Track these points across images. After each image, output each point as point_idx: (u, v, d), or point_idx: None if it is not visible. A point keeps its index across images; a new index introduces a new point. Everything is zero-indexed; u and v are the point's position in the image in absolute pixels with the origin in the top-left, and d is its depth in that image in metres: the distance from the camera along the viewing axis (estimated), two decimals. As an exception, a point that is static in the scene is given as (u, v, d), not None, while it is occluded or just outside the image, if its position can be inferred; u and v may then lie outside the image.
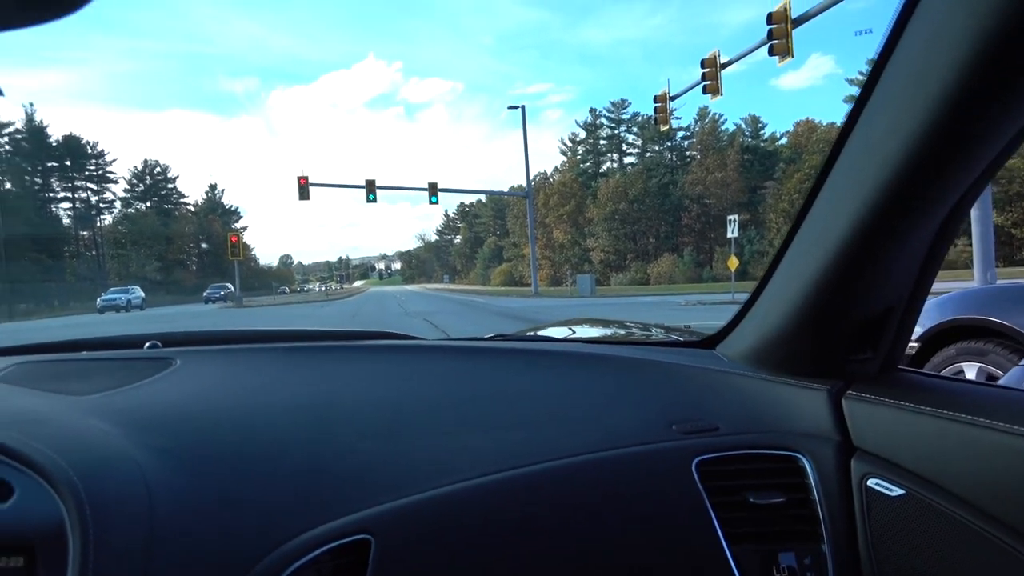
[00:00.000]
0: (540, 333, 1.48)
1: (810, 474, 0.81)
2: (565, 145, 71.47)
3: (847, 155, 0.72)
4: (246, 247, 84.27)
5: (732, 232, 19.07)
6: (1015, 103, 0.59)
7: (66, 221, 62.40)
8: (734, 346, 1.01)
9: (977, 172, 0.67)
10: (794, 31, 11.36)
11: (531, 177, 29.73)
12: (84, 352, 1.14)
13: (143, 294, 37.61)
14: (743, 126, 61.51)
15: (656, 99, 15.49)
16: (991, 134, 0.62)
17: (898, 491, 0.74)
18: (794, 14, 11.62)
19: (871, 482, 0.77)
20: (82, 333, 1.60)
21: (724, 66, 13.65)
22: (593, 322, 1.68)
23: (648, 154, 64.71)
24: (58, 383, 0.92)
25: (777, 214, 46.98)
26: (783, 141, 58.93)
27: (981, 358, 3.06)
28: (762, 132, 61.07)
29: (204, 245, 73.58)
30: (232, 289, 38.35)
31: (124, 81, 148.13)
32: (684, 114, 63.28)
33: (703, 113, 60.38)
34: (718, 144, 58.02)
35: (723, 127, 60.22)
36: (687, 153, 62.12)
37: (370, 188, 24.18)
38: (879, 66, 0.64)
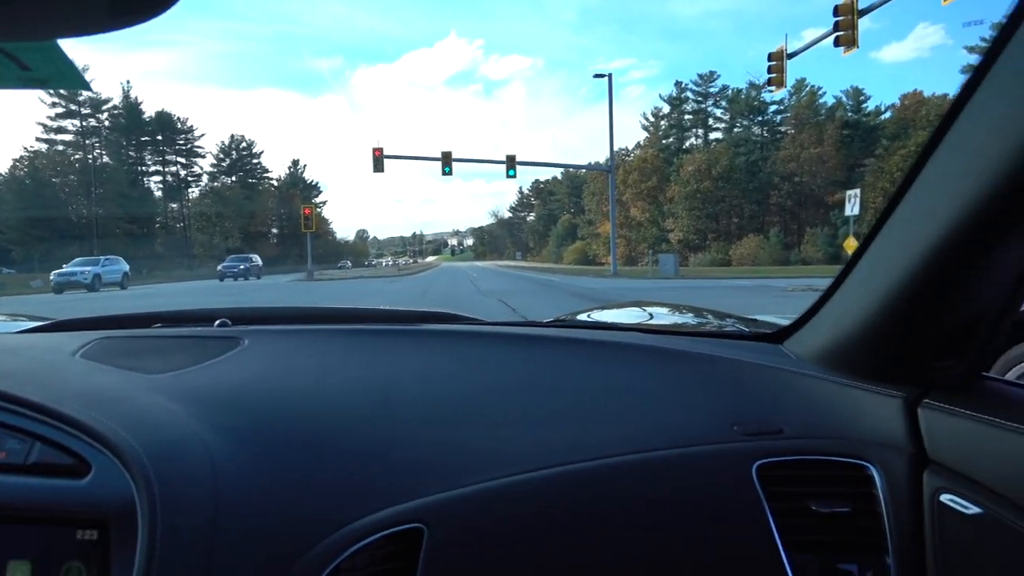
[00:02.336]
0: (603, 315, 1.44)
1: (878, 485, 0.78)
2: (647, 120, 68.56)
3: (959, 133, 0.64)
4: (323, 221, 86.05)
5: (851, 210, 16.63)
6: None
7: (156, 194, 65.03)
8: (804, 343, 0.97)
9: None
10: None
11: (620, 149, 27.92)
12: (158, 325, 1.19)
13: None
14: (844, 99, 56.98)
15: (771, 57, 13.67)
16: None
17: (975, 509, 0.69)
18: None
19: (944, 497, 0.73)
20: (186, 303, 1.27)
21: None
22: (657, 305, 1.61)
23: (736, 129, 61.14)
24: (133, 360, 0.94)
25: (876, 193, 43.19)
26: (887, 115, 54.20)
27: None
28: (864, 106, 56.39)
29: (284, 219, 75.43)
30: (257, 262, 37.10)
31: (216, 61, 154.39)
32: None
33: (799, 85, 56.28)
34: (815, 118, 53.95)
35: (821, 99, 55.97)
36: (779, 128, 58.24)
37: (446, 160, 23.20)
38: (1008, 28, 0.57)
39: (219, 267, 35.23)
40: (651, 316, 1.52)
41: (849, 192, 17.27)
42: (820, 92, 55.89)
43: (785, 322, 1.04)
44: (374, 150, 22.58)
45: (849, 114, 55.38)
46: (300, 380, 0.92)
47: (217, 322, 1.18)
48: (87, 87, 0.75)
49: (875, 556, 0.76)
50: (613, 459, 0.81)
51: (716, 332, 1.30)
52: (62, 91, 52.43)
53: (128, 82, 66.69)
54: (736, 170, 54.22)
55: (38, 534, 0.66)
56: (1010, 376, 2.01)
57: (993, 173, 0.60)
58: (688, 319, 1.52)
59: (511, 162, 23.44)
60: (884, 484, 0.77)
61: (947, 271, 0.69)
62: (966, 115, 0.62)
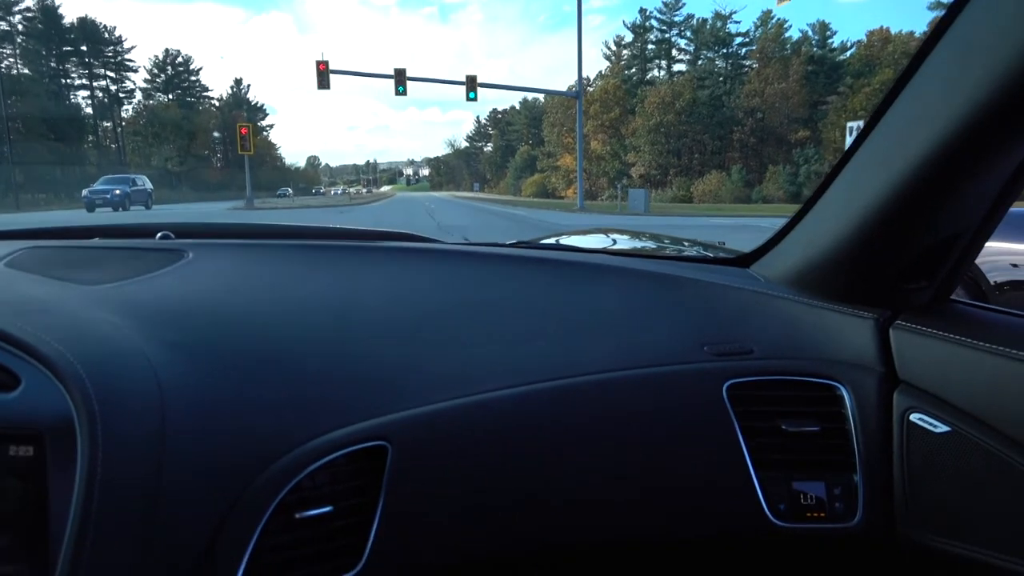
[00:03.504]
0: (567, 240, 1.40)
1: (848, 404, 0.79)
2: (609, 49, 66.01)
3: (935, 60, 0.64)
4: (270, 145, 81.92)
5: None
6: None
7: (85, 111, 59.94)
8: (773, 266, 0.97)
9: None
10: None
11: (580, 78, 26.03)
12: (96, 239, 1.13)
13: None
14: (810, 33, 55.75)
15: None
16: None
17: (943, 428, 0.71)
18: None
19: (914, 416, 0.74)
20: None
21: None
22: (622, 232, 1.58)
23: (700, 62, 59.51)
24: (67, 271, 0.89)
25: (839, 132, 42.72)
26: (852, 51, 53.34)
27: None
28: (830, 41, 55.35)
29: (228, 143, 71.04)
30: (143, 186, 27.69)
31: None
32: (743, 18, 57.87)
33: (766, 17, 54.72)
34: (781, 52, 52.68)
35: (787, 33, 54.60)
36: (744, 62, 56.87)
37: (399, 79, 21.13)
38: None
39: (84, 192, 25.49)
40: (615, 242, 1.46)
41: (849, 124, 16.30)
42: (787, 26, 54.49)
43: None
44: (318, 63, 20.39)
45: (815, 49, 54.30)
46: (251, 296, 0.88)
47: (159, 235, 1.13)
48: None
49: (843, 474, 0.78)
50: (580, 378, 0.80)
51: (682, 256, 1.27)
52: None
53: None
54: (700, 104, 52.94)
55: None
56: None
57: (967, 99, 0.60)
58: (653, 244, 1.49)
59: (471, 83, 21.61)
60: (854, 403, 0.79)
61: (918, 194, 0.69)
62: (944, 43, 0.62)
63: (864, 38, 53.87)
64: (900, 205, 0.71)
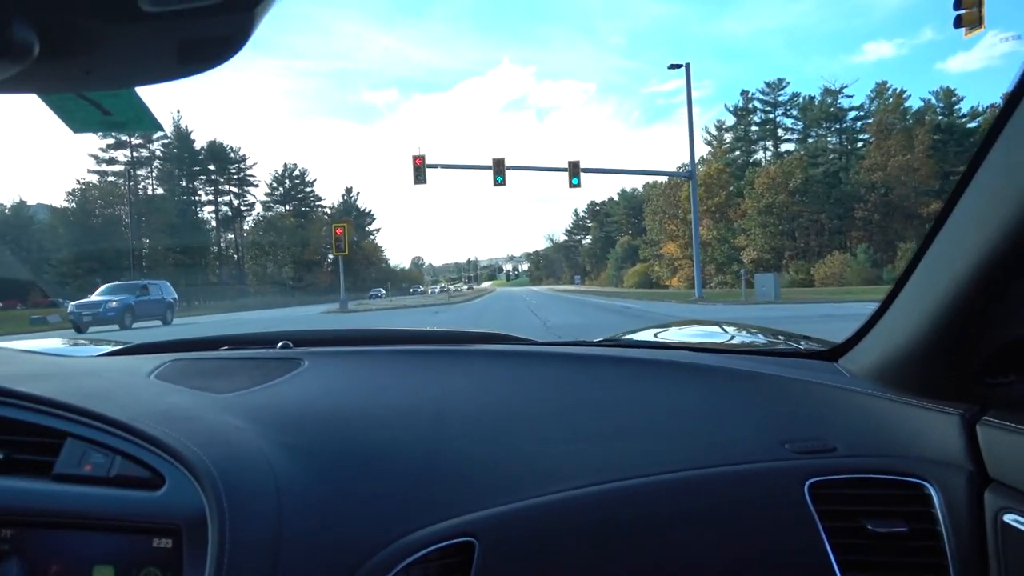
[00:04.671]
0: (653, 335, 1.44)
1: (937, 504, 0.76)
2: (710, 134, 64.52)
3: (1005, 141, 0.62)
4: (376, 248, 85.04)
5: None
6: None
7: (210, 224, 64.60)
8: (859, 360, 0.95)
9: None
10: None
11: (684, 164, 24.10)
12: (225, 347, 1.26)
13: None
14: (933, 101, 51.89)
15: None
16: None
17: None
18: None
19: (1008, 517, 0.70)
20: None
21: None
22: (710, 325, 1.59)
23: (810, 140, 56.56)
24: (202, 380, 0.99)
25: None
26: (985, 116, 48.72)
27: None
28: (957, 108, 51.12)
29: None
30: (163, 295, 21.82)
31: (277, 97, 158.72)
32: (855, 91, 55.05)
33: (880, 89, 51.57)
34: (902, 123, 49.02)
35: (907, 104, 50.97)
36: (859, 136, 53.48)
37: (498, 169, 20.12)
38: None
39: (71, 306, 19.92)
40: (703, 335, 1.48)
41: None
42: (906, 95, 50.97)
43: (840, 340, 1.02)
44: (414, 158, 19.77)
45: (940, 118, 50.24)
46: (356, 399, 0.95)
47: (279, 344, 1.25)
48: (160, 128, 0.79)
49: None
50: (662, 476, 0.80)
51: (768, 350, 1.25)
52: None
53: (179, 111, 66.30)
54: (814, 182, 49.60)
55: (119, 542, 0.71)
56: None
57: None
58: (741, 338, 1.47)
59: (574, 169, 20.26)
60: (943, 503, 0.75)
61: (1000, 281, 0.67)
62: (1011, 124, 0.60)
63: (1000, 100, 49.33)
64: (979, 293, 0.68)
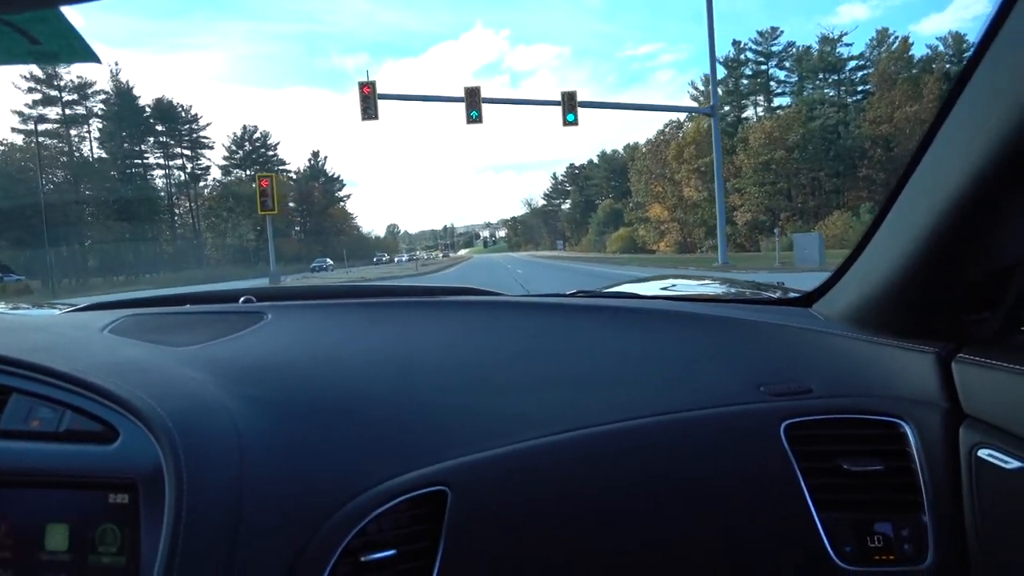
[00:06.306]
0: (626, 289, 1.43)
1: (912, 441, 0.78)
2: (696, 90, 60.44)
3: (981, 79, 0.62)
4: (346, 215, 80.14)
5: None
6: None
7: (161, 189, 59.34)
8: (833, 304, 0.96)
9: None
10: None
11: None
12: (187, 305, 1.22)
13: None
14: (941, 48, 48.52)
15: None
16: None
17: (1015, 463, 0.69)
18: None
19: (982, 452, 0.72)
20: None
21: None
22: (682, 278, 1.61)
23: (805, 93, 52.97)
24: (161, 334, 0.96)
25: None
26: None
27: None
28: (967, 55, 47.69)
29: (304, 214, 69.39)
30: None
31: (246, 63, 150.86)
32: (854, 39, 51.85)
33: (883, 36, 48.00)
34: (908, 72, 45.57)
35: (911, 51, 47.50)
36: (858, 89, 50.02)
37: (472, 102, 16.01)
38: None
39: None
40: (677, 287, 1.50)
41: None
42: (910, 43, 47.47)
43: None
44: (361, 86, 15.57)
45: (948, 66, 46.85)
46: (321, 352, 0.94)
47: (242, 299, 1.22)
48: (96, 59, 0.75)
49: (911, 514, 0.76)
50: (637, 421, 0.81)
51: (743, 298, 1.28)
52: (63, 66, 47.03)
53: (116, 64, 58.74)
54: (812, 137, 46.18)
55: (74, 498, 0.68)
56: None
57: (1016, 115, 0.58)
58: (717, 288, 1.48)
59: (570, 101, 16.17)
60: (918, 441, 0.77)
61: (972, 220, 0.67)
62: (989, 58, 0.60)
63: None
64: (952, 233, 0.69)
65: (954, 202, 0.66)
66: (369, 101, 15.69)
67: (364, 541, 0.69)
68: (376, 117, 15.66)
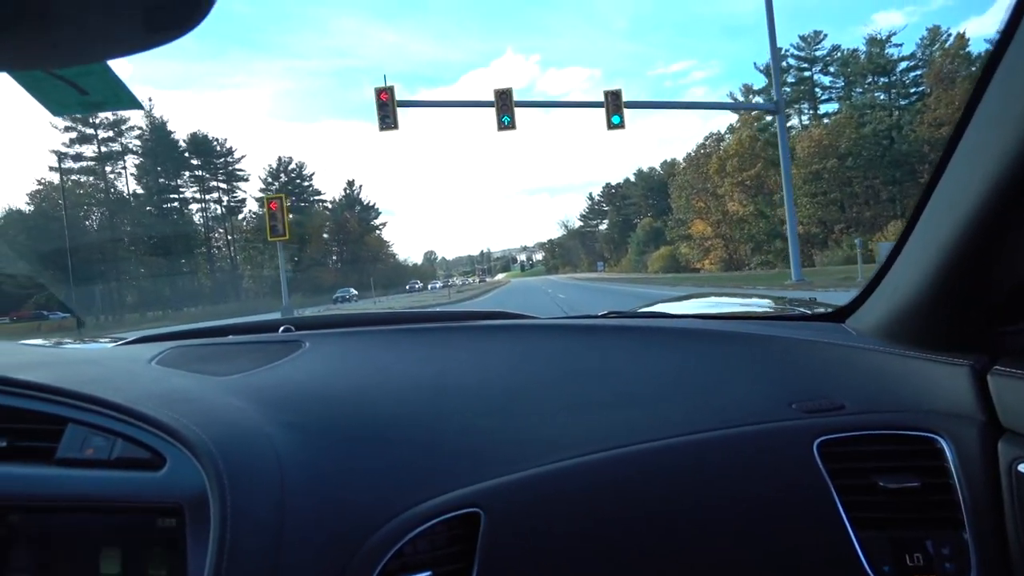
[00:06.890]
0: (657, 309, 1.44)
1: (949, 457, 0.76)
2: (734, 99, 58.31)
3: (999, 91, 0.61)
4: (383, 243, 79.63)
5: None
6: None
7: (198, 222, 59.56)
8: (865, 318, 0.95)
9: None
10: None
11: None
12: (228, 336, 1.25)
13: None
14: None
15: None
16: None
17: None
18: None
19: (1022, 467, 0.70)
20: None
21: None
22: (718, 296, 1.61)
23: (853, 98, 50.38)
24: (204, 365, 1.00)
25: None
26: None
27: None
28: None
29: (341, 244, 68.97)
30: None
31: (280, 99, 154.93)
32: (904, 39, 48.90)
33: (935, 34, 45.29)
34: (967, 71, 42.70)
35: (969, 48, 44.62)
36: (912, 90, 47.25)
37: (503, 106, 14.48)
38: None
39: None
40: (710, 306, 1.49)
41: None
42: (967, 38, 44.66)
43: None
44: (378, 93, 14.11)
45: (1010, 61, 43.76)
46: (357, 378, 0.96)
47: (281, 329, 1.25)
48: (140, 106, 0.79)
49: (950, 531, 0.74)
50: (668, 440, 0.80)
51: (775, 315, 1.29)
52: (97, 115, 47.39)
53: (150, 99, 59.28)
54: (864, 143, 43.53)
55: (124, 524, 0.72)
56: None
57: None
58: (749, 306, 1.48)
59: (615, 101, 14.55)
60: (955, 456, 0.75)
61: (999, 230, 0.66)
62: (999, 73, 0.59)
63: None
64: (980, 243, 0.68)
65: (980, 212, 0.65)
66: (387, 109, 14.26)
67: (401, 563, 0.70)
68: (396, 126, 14.22)
